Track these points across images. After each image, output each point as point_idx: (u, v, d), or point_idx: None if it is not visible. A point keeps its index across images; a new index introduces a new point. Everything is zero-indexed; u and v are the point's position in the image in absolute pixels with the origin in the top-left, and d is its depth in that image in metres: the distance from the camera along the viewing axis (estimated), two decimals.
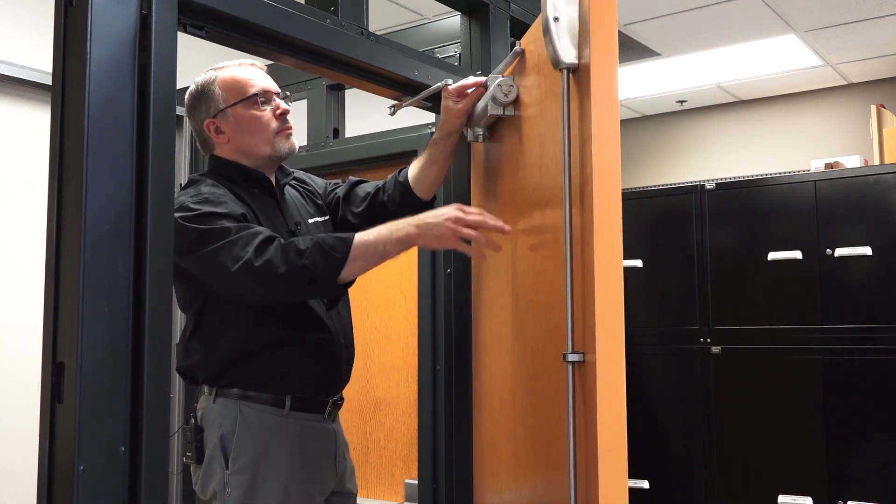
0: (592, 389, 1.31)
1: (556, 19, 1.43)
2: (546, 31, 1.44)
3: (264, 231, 1.68)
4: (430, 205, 2.02)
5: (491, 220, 1.70)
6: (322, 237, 1.68)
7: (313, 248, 1.63)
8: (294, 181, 2.02)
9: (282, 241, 1.66)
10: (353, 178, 2.11)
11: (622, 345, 1.32)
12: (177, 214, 1.67)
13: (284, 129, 1.87)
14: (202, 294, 1.77)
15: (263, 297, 1.71)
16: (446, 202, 2.29)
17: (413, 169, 2.03)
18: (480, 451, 2.13)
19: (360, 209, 2.01)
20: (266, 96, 1.85)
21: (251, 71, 1.88)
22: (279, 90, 1.90)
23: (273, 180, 1.92)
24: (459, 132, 1.99)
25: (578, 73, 1.42)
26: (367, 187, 2.05)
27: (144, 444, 1.34)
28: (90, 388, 1.29)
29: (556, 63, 1.44)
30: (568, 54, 1.42)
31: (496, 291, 1.98)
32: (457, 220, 1.67)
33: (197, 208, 1.68)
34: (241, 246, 1.63)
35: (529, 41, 1.74)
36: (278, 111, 1.86)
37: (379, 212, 1.99)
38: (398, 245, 1.70)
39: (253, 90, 1.84)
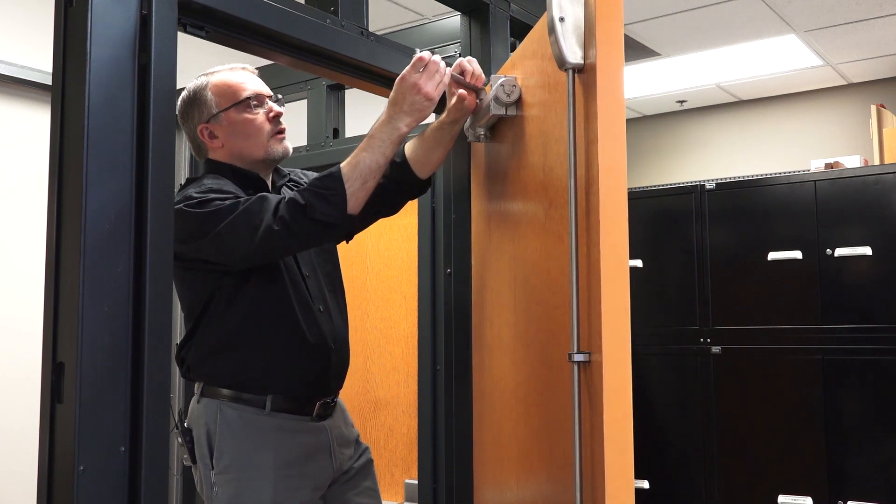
0: (599, 389, 1.31)
1: (561, 19, 1.42)
2: (551, 31, 1.43)
3: (265, 196, 1.69)
4: (428, 182, 1.99)
5: (431, 63, 1.71)
6: (312, 184, 1.68)
7: (315, 199, 1.64)
8: (290, 182, 2.01)
9: (284, 200, 1.66)
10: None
11: (628, 345, 1.32)
12: (181, 205, 1.67)
13: (278, 131, 1.88)
14: (209, 291, 1.77)
15: (286, 254, 1.80)
16: (446, 202, 2.29)
17: (413, 151, 1.93)
18: (481, 451, 2.13)
19: None
20: (258, 99, 1.86)
21: (243, 75, 1.88)
22: (272, 93, 1.90)
23: (269, 183, 1.92)
24: (466, 118, 1.93)
25: (584, 74, 1.42)
26: None
27: (144, 444, 1.34)
28: (90, 388, 1.29)
29: (562, 63, 1.44)
30: (573, 55, 1.42)
31: (497, 291, 1.98)
32: (431, 95, 1.69)
33: (201, 196, 1.69)
34: (255, 214, 1.64)
35: (533, 41, 1.74)
36: (271, 114, 1.87)
37: (377, 194, 1.90)
38: (396, 145, 1.71)
39: (245, 94, 1.84)
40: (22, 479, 3.23)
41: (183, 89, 1.88)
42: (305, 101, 3.12)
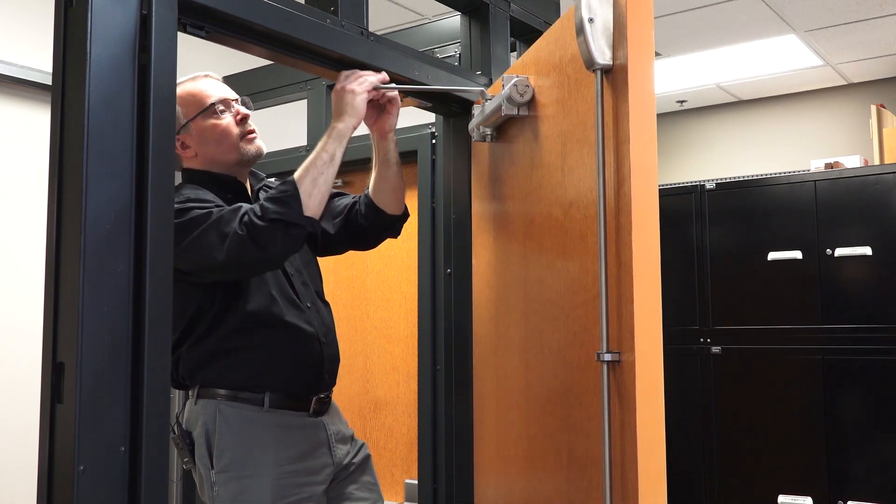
0: (630, 389, 1.31)
1: (591, 20, 1.43)
2: (580, 32, 1.44)
3: (240, 205, 1.70)
4: (401, 219, 2.03)
5: (353, 73, 1.81)
6: (269, 192, 1.72)
7: (269, 202, 1.67)
8: (265, 188, 2.02)
9: (246, 210, 1.68)
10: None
11: (660, 344, 1.32)
12: None
13: (247, 132, 1.89)
14: (195, 303, 1.78)
15: (257, 265, 1.74)
16: (446, 202, 2.30)
17: (371, 186, 2.01)
18: (481, 451, 2.12)
19: (337, 220, 2.02)
20: (224, 104, 1.87)
21: (205, 82, 1.89)
22: (237, 96, 1.91)
23: (248, 186, 1.93)
24: (394, 147, 1.98)
25: (613, 74, 1.42)
26: (346, 199, 2.07)
27: (144, 444, 1.33)
28: (90, 388, 1.29)
29: (590, 64, 1.44)
30: (603, 55, 1.43)
31: (502, 291, 1.97)
32: (350, 88, 1.77)
33: (179, 206, 1.69)
34: (227, 222, 1.65)
35: (549, 41, 1.74)
36: (238, 116, 1.88)
37: (353, 224, 2.00)
38: (336, 140, 1.76)
39: (210, 100, 1.85)
40: (22, 479, 3.23)
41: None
42: (305, 101, 3.12)
